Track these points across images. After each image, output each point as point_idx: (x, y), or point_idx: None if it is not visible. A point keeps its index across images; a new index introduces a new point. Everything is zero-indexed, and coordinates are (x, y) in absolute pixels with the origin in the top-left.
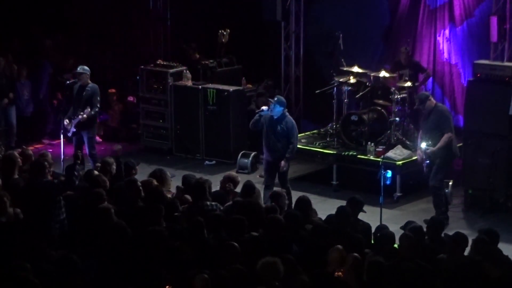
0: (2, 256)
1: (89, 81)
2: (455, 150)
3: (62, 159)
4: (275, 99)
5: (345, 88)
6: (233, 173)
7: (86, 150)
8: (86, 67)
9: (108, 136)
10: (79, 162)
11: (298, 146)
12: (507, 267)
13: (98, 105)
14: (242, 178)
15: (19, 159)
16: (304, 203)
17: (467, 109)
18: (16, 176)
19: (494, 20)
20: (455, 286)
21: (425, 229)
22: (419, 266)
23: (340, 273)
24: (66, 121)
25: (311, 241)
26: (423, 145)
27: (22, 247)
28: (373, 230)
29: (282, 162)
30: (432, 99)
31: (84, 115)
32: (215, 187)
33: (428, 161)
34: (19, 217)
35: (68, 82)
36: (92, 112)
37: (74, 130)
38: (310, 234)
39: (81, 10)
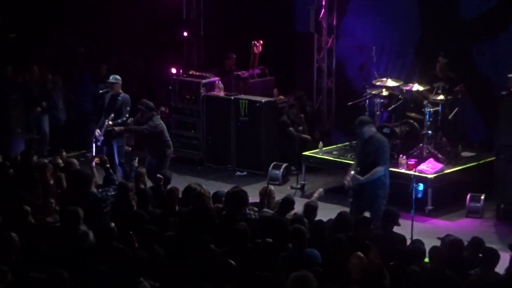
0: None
1: (121, 91)
2: (385, 185)
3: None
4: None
5: (378, 100)
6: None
7: (115, 158)
8: (118, 77)
9: (139, 145)
10: (107, 165)
11: (329, 158)
12: None
13: (127, 115)
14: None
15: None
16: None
17: (500, 123)
18: (51, 182)
19: None
20: None
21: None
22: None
23: None
24: (97, 131)
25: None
26: (353, 171)
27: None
28: None
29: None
30: (373, 127)
31: (110, 122)
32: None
33: (352, 189)
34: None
35: (100, 91)
36: (119, 121)
37: (103, 138)
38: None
39: (114, 20)
